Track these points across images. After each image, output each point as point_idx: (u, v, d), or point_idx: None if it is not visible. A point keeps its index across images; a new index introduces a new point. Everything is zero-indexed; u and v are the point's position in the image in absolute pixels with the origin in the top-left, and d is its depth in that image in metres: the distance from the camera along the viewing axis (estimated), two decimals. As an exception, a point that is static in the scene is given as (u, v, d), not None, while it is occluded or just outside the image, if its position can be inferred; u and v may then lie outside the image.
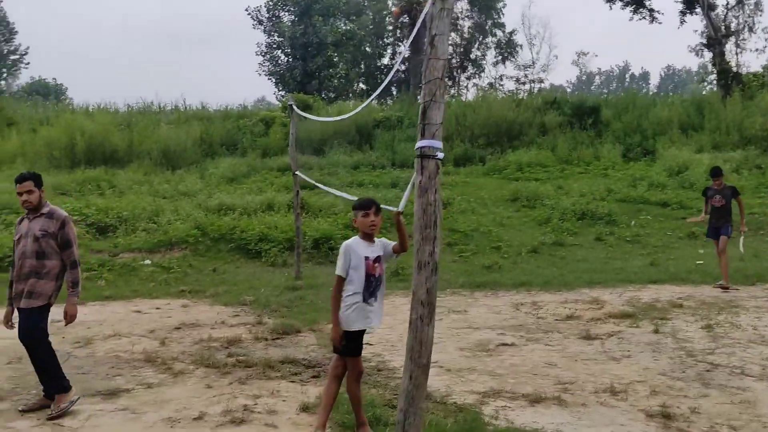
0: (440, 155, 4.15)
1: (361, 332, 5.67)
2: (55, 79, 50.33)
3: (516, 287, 12.34)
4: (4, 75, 49.55)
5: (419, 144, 4.17)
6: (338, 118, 13.92)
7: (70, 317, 6.44)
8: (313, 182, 12.50)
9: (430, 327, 4.25)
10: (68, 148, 23.23)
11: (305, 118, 13.22)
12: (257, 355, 8.05)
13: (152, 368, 7.58)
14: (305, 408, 6.32)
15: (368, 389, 6.64)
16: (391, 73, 7.45)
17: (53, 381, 6.34)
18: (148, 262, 13.51)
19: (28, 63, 50.47)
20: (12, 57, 49.35)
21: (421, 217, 4.16)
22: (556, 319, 9.92)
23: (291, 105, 13.11)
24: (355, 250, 5.52)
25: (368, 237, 5.58)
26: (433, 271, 4.18)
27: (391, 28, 47.55)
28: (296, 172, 12.89)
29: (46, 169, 21.61)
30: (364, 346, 5.78)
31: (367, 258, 5.49)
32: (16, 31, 49.62)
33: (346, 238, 5.97)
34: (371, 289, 5.53)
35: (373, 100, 19.99)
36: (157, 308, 10.49)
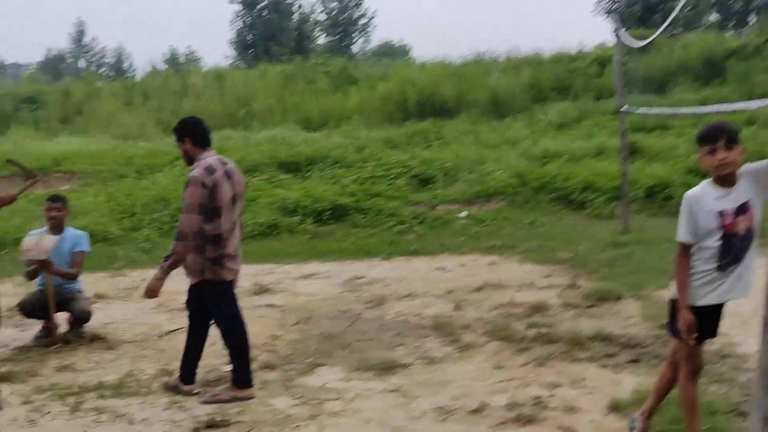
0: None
1: (715, 309, 3.95)
2: (402, 39, 52.58)
3: None
4: (355, 39, 52.42)
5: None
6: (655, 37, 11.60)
7: (144, 292, 5.28)
8: (646, 111, 10.48)
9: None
10: (400, 102, 23.21)
11: (633, 45, 11.13)
12: (563, 327, 6.57)
13: (439, 338, 6.47)
14: (615, 407, 4.76)
15: (706, 385, 4.86)
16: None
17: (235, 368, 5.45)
18: (464, 213, 12.53)
19: (375, 26, 53.09)
20: (361, 21, 51.92)
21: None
22: None
23: (616, 32, 11.11)
24: (703, 204, 3.79)
25: (723, 181, 3.78)
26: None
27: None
28: (622, 109, 10.92)
29: (380, 123, 21.74)
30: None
31: (722, 213, 3.75)
32: (364, -5, 51.68)
33: (689, 186, 4.19)
34: (734, 253, 3.78)
35: (717, 27, 16.95)
36: (462, 265, 9.42)
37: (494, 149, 17.04)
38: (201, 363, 5.53)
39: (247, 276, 9.19)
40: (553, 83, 24.41)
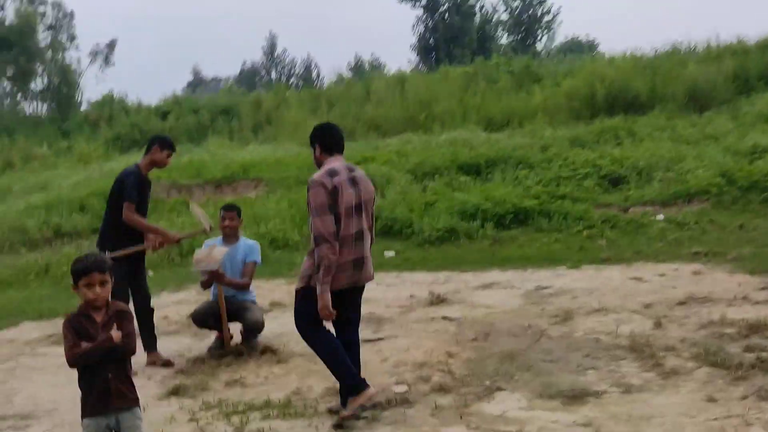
0: None
1: None
2: (587, 34, 50.52)
3: None
4: (539, 37, 50.95)
5: None
6: None
7: (320, 313, 4.78)
8: None
9: None
10: (587, 98, 21.92)
11: None
12: (791, 351, 5.49)
13: (637, 361, 5.61)
14: None
15: None
16: None
17: (340, 382, 4.91)
18: (661, 216, 11.36)
19: (560, 22, 51.24)
20: (545, 18, 50.37)
21: None
22: None
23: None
24: None
25: None
26: None
27: None
28: None
29: (566, 121, 20.67)
30: None
31: None
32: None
33: None
34: None
35: None
36: (661, 275, 8.37)
37: (693, 146, 15.52)
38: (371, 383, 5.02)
39: (423, 285, 8.74)
40: (760, 72, 22.15)
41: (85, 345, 3.48)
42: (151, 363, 6.45)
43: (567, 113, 21.62)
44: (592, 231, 10.75)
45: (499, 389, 5.25)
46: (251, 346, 6.60)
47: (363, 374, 4.99)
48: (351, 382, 4.80)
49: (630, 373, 5.37)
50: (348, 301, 4.91)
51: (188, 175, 17.16)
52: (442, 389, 5.30)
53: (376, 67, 47.46)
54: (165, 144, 6.59)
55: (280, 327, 7.15)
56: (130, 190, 6.33)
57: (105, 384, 3.52)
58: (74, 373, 3.62)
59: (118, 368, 3.56)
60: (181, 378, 6.03)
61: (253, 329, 6.62)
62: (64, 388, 5.92)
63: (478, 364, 5.83)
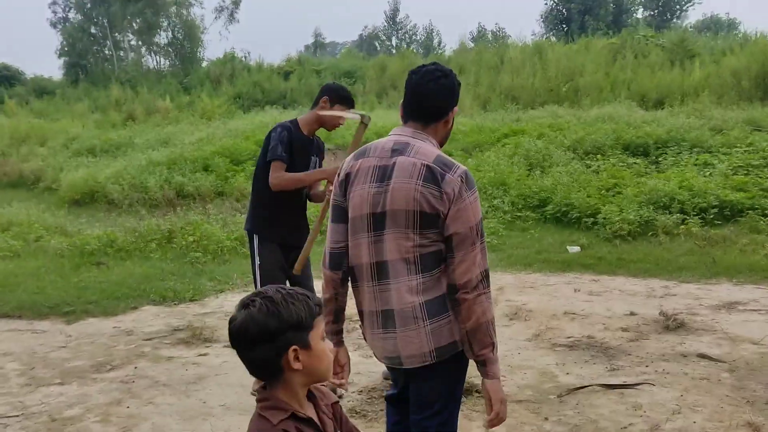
0: None
1: None
2: (727, 13, 46.45)
3: None
4: (678, 12, 46.87)
5: None
6: None
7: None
8: None
9: None
10: (759, 77, 19.09)
11: None
12: None
13: None
14: None
15: None
16: None
17: None
18: None
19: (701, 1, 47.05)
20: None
21: None
22: None
23: None
24: None
25: None
26: None
27: None
28: None
29: (736, 101, 17.99)
30: None
31: None
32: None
33: None
34: None
35: None
36: None
37: None
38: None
39: (637, 297, 6.70)
40: None
41: None
42: None
43: (736, 93, 18.90)
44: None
45: None
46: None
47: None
48: None
49: None
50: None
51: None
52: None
53: (500, 37, 44.69)
54: (339, 96, 4.47)
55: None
56: (275, 146, 4.35)
57: None
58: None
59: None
60: None
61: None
62: (197, 421, 4.23)
63: None
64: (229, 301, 7.09)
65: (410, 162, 2.52)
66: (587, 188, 10.59)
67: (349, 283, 2.70)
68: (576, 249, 8.67)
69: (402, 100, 2.69)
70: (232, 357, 5.23)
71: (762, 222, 9.07)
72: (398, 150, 2.56)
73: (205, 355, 5.55)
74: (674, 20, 45.53)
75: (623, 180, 10.86)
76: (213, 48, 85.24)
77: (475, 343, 2.51)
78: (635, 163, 12.73)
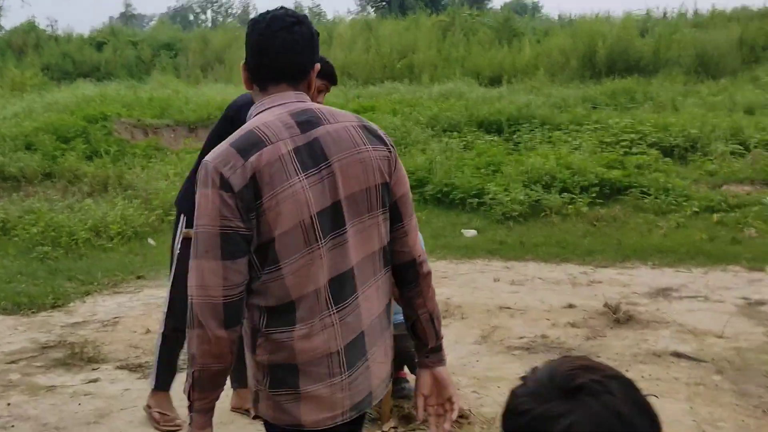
0: None
1: None
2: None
3: None
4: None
5: None
6: None
7: None
8: None
9: None
10: (587, 57, 19.68)
11: None
12: None
13: None
14: None
15: None
16: None
17: None
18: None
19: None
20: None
21: None
22: None
23: None
24: None
25: None
26: None
27: None
28: None
29: (569, 80, 18.47)
30: None
31: None
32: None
33: None
34: None
35: None
36: None
37: (746, 114, 13.45)
38: None
39: (562, 285, 6.13)
40: (765, 41, 20.37)
41: None
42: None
43: (568, 72, 19.41)
44: (721, 216, 8.28)
45: None
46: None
47: None
48: None
49: None
50: None
51: (152, 114, 13.80)
52: None
53: (317, 14, 43.79)
54: (325, 73, 3.18)
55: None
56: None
57: None
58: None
59: None
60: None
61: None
62: None
63: None
64: (102, 307, 5.74)
65: (341, 128, 1.88)
66: (462, 167, 10.01)
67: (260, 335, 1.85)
68: (472, 233, 8.03)
69: (244, 60, 1.95)
70: (132, 382, 4.04)
71: (644, 200, 8.90)
72: (308, 121, 1.85)
73: (95, 381, 4.27)
74: (485, 1, 46.80)
75: (497, 158, 10.40)
76: (15, 16, 77.27)
77: (437, 323, 2.07)
78: (493, 140, 12.44)
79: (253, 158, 1.74)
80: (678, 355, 4.57)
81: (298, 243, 1.77)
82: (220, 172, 1.73)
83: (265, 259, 1.78)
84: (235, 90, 17.02)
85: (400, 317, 3.80)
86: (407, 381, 4.03)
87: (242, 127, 1.86)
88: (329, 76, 3.51)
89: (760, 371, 4.30)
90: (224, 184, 1.72)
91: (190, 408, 1.82)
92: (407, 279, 2.00)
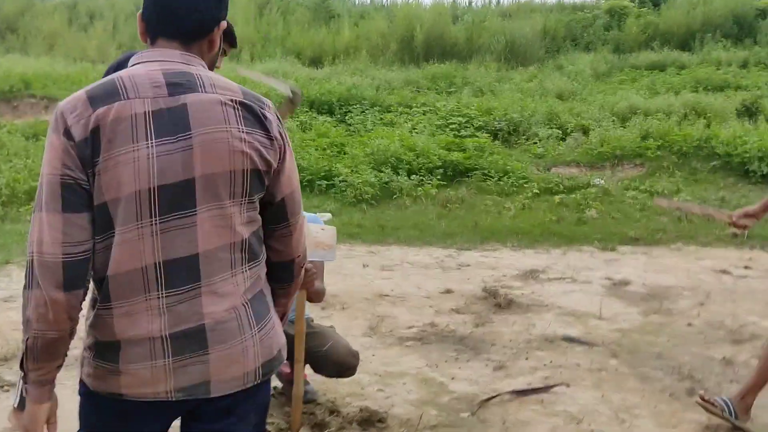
0: None
1: None
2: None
3: None
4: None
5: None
6: None
7: None
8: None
9: None
10: (406, 41, 19.88)
11: None
12: None
13: None
14: None
15: None
16: None
17: None
18: (599, 181, 9.46)
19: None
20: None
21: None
22: None
23: None
24: None
25: None
26: None
27: None
28: None
29: (390, 63, 18.58)
30: None
31: None
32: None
33: None
34: None
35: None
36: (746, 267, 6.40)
37: (560, 100, 14.12)
38: None
39: (432, 270, 5.98)
40: (564, 32, 21.65)
41: None
42: None
43: (389, 55, 19.51)
44: (561, 197, 8.50)
45: None
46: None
47: None
48: None
49: None
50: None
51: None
52: None
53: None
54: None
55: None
56: None
57: None
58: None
59: None
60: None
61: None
62: None
63: None
64: None
65: (214, 100, 1.66)
66: (306, 147, 9.60)
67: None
68: (327, 216, 7.66)
69: (141, 9, 1.75)
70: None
71: (486, 183, 8.99)
72: (180, 84, 1.65)
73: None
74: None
75: (338, 139, 10.09)
76: None
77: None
78: (326, 121, 12.15)
79: (101, 110, 1.57)
80: (570, 339, 4.52)
81: (129, 215, 1.60)
82: (65, 119, 1.58)
83: (94, 225, 1.61)
84: (35, 62, 15.45)
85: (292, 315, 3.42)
86: (308, 383, 3.64)
87: (108, 75, 1.70)
88: (228, 36, 3.02)
89: (651, 353, 4.34)
90: (66, 132, 1.57)
91: (25, 379, 1.65)
92: (282, 278, 1.87)
